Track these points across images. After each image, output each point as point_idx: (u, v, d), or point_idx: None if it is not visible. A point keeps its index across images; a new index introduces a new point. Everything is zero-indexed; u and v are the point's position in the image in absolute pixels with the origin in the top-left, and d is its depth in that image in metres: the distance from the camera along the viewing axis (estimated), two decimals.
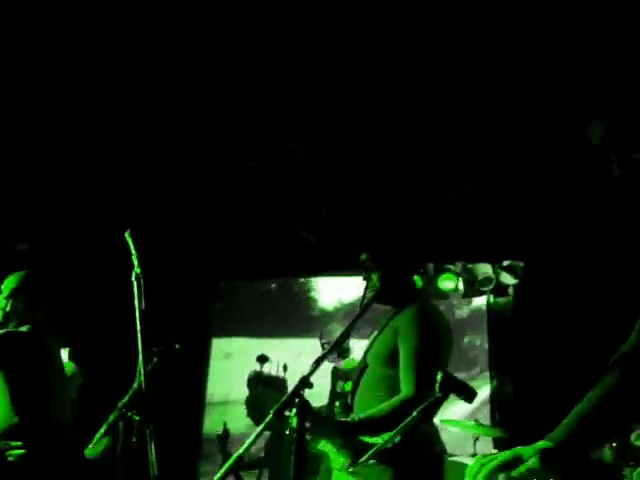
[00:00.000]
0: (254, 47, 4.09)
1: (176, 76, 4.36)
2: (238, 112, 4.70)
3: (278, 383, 6.94)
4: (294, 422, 1.96)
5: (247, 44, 4.06)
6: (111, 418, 3.02)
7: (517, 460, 1.31)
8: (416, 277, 6.31)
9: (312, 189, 5.65)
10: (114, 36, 3.99)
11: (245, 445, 1.93)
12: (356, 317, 2.33)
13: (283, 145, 5.03)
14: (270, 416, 1.89)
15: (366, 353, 2.75)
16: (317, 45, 4.04)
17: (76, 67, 4.27)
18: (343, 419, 2.55)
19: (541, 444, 1.35)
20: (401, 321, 2.66)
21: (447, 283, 6.26)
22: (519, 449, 1.34)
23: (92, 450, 2.99)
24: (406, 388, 2.55)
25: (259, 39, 4.01)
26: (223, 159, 5.29)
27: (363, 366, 2.71)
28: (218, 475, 1.99)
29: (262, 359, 7.11)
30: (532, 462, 1.30)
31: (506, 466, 1.30)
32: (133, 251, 2.69)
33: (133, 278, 2.64)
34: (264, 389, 6.92)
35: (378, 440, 2.31)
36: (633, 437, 3.76)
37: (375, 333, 2.80)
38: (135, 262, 2.68)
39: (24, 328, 3.25)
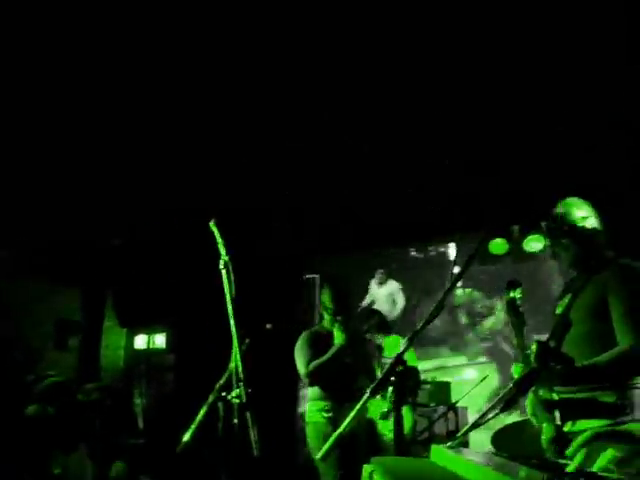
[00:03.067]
0: None
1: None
2: None
3: None
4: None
5: None
6: (210, 399, 3.13)
7: (629, 436, 1.25)
8: (500, 241, 6.23)
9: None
10: None
11: (345, 423, 1.97)
12: (451, 286, 2.31)
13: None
14: (367, 395, 1.90)
15: (566, 311, 2.73)
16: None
17: None
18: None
19: None
20: (609, 275, 2.64)
21: (535, 244, 6.10)
22: (633, 425, 1.28)
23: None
24: (625, 339, 2.52)
25: None
26: None
27: (565, 323, 2.69)
28: (321, 452, 2.03)
29: None
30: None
31: (614, 437, 1.24)
32: (219, 239, 2.75)
33: (222, 266, 2.70)
34: None
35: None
36: None
37: (568, 294, 2.79)
38: (222, 250, 2.73)
39: None
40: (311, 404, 3.97)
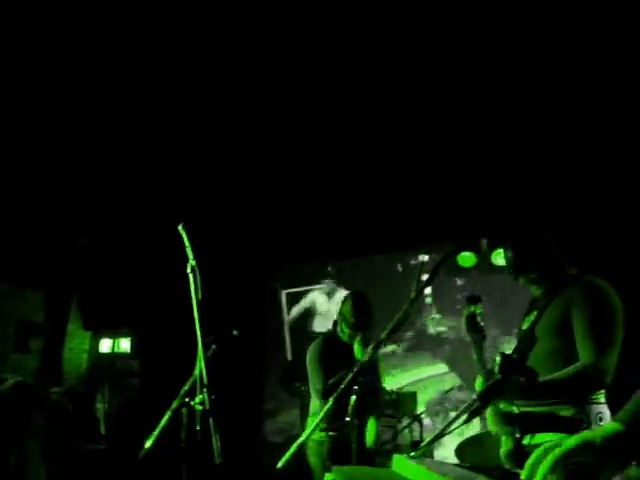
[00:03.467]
0: None
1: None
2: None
3: None
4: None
5: None
6: (174, 405, 3.10)
7: (587, 447, 1.22)
8: (468, 254, 6.28)
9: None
10: None
11: (307, 432, 1.95)
12: (415, 297, 2.32)
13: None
14: (330, 404, 1.90)
15: (531, 327, 2.74)
16: None
17: None
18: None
19: (610, 427, 1.25)
20: (573, 292, 2.65)
21: (501, 258, 6.16)
22: (587, 434, 1.25)
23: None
24: (585, 355, 2.54)
25: None
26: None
27: (530, 338, 2.70)
28: (282, 461, 2.02)
29: None
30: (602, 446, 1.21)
31: (574, 454, 1.21)
32: (187, 243, 2.73)
33: (189, 270, 2.68)
34: None
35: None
36: None
37: (535, 310, 2.80)
38: (190, 254, 2.72)
39: None
40: (313, 419, 3.79)
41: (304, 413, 5.87)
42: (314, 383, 3.86)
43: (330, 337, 4.04)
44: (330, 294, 7.69)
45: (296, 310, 7.84)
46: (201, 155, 5.40)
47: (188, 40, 4.07)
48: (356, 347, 3.80)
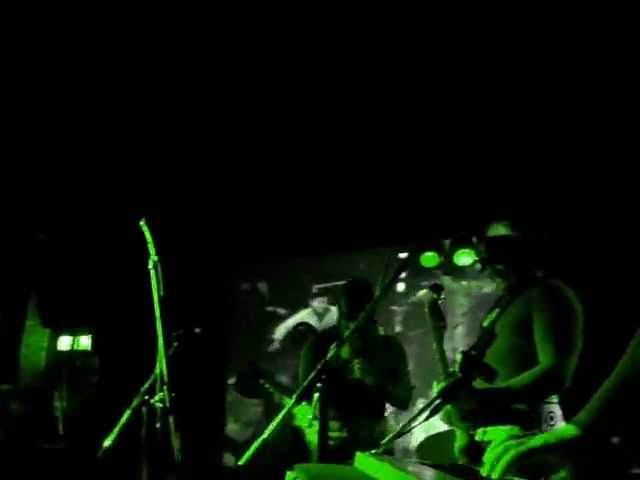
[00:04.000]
0: None
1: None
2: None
3: None
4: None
5: None
6: (134, 403, 3.06)
7: (547, 449, 1.25)
8: (431, 254, 6.32)
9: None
10: None
11: (269, 430, 1.94)
12: (379, 297, 2.33)
13: None
14: (292, 401, 1.89)
15: (492, 324, 2.76)
16: None
17: None
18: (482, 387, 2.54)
19: (569, 431, 1.28)
20: (535, 293, 2.69)
21: (464, 259, 6.22)
22: (548, 436, 1.29)
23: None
24: (545, 358, 2.57)
25: None
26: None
27: (489, 336, 2.72)
28: (243, 459, 2.00)
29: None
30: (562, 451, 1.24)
31: (534, 454, 1.25)
32: (149, 239, 2.69)
33: (150, 266, 2.65)
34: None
35: None
36: None
37: (497, 308, 2.83)
38: (152, 250, 2.68)
39: None
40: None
41: (268, 411, 5.85)
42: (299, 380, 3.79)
43: (329, 331, 3.94)
44: (322, 316, 7.19)
45: (283, 329, 7.35)
46: (164, 150, 5.33)
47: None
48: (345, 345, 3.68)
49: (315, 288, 7.34)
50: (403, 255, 3.74)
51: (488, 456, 1.27)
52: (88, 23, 3.90)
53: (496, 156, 5.21)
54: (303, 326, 6.50)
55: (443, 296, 2.76)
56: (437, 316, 2.72)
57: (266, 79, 4.46)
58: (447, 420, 2.62)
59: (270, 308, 7.62)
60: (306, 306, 7.35)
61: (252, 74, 4.42)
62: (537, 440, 1.27)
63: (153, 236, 2.69)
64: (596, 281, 4.76)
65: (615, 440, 1.27)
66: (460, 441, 2.53)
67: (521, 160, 5.19)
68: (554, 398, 2.62)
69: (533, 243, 2.86)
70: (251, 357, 6.26)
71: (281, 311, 7.51)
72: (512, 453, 1.23)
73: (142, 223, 2.73)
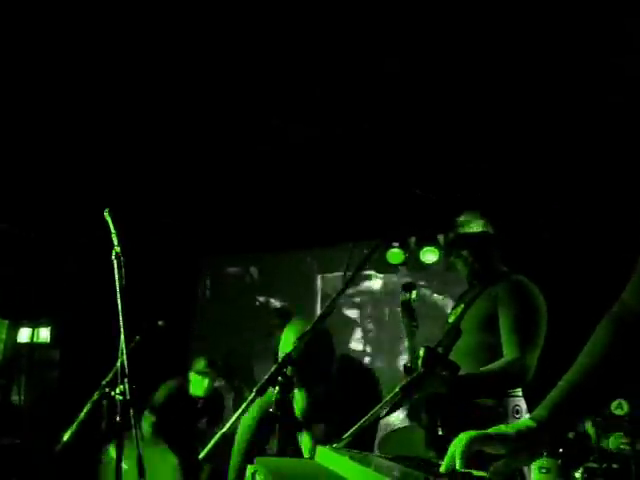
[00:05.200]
0: None
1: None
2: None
3: None
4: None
5: None
6: (95, 397, 3.02)
7: (503, 438, 1.29)
8: (396, 250, 6.35)
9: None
10: None
11: (229, 423, 1.93)
12: (341, 290, 2.32)
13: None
14: (253, 394, 1.88)
15: (457, 320, 2.78)
16: None
17: None
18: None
19: (525, 424, 1.32)
20: (500, 289, 2.73)
21: (430, 256, 6.27)
22: (504, 427, 1.33)
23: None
24: (510, 351, 2.59)
25: None
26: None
27: (455, 332, 2.73)
28: (203, 453, 1.99)
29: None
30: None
31: (489, 442, 1.28)
32: (112, 230, 2.66)
33: (113, 257, 2.61)
34: None
35: None
36: (613, 406, 3.82)
37: (461, 304, 2.85)
38: (115, 240, 2.65)
39: None
40: None
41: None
42: None
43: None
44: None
45: None
46: (128, 141, 5.25)
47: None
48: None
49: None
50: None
51: (450, 447, 1.29)
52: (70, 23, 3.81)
53: (469, 153, 5.26)
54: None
55: (415, 295, 2.79)
56: (409, 316, 2.76)
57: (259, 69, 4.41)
58: (413, 416, 2.65)
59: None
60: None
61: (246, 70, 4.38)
62: (493, 430, 1.31)
63: (116, 226, 2.66)
64: (558, 276, 4.86)
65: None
66: (427, 436, 2.55)
67: (492, 157, 5.26)
68: (519, 392, 2.67)
69: (499, 236, 2.92)
70: (221, 350, 6.26)
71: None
72: (465, 439, 1.26)
73: (106, 213, 2.69)
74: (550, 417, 1.32)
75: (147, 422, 4.82)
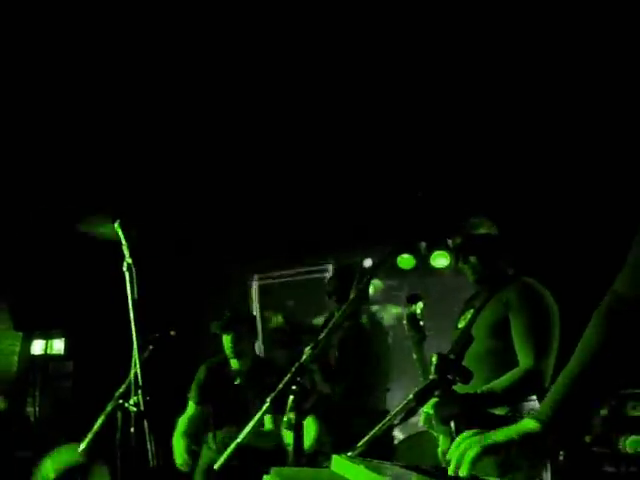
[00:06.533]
0: None
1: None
2: None
3: None
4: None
5: None
6: (109, 408, 3.02)
7: (510, 443, 1.26)
8: (407, 256, 6.33)
9: None
10: None
11: (244, 433, 1.93)
12: (352, 299, 2.32)
13: None
14: (267, 404, 1.88)
15: (468, 326, 2.76)
16: None
17: None
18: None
19: (528, 425, 1.29)
20: (511, 294, 2.71)
21: (441, 260, 6.25)
22: (508, 430, 1.29)
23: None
24: (525, 359, 2.58)
25: None
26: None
27: (466, 338, 2.72)
28: (219, 463, 1.99)
29: None
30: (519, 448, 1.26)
31: (498, 448, 1.25)
32: (123, 241, 2.67)
33: (125, 268, 2.62)
34: None
35: None
36: (629, 407, 3.78)
37: (471, 309, 2.82)
38: (126, 252, 2.66)
39: None
40: None
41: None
42: None
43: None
44: None
45: None
46: (139, 155, 5.28)
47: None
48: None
49: None
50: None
51: (452, 452, 1.27)
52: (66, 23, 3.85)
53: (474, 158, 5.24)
54: None
55: (421, 306, 2.77)
56: (415, 328, 2.73)
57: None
58: (428, 424, 2.63)
59: None
60: None
61: (249, 72, 4.39)
62: (499, 435, 1.28)
63: (127, 238, 2.67)
64: (566, 278, 4.83)
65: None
66: (443, 445, 2.54)
67: (498, 162, 5.24)
68: (533, 396, 2.65)
69: (507, 240, 2.91)
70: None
71: None
72: (476, 450, 1.23)
73: (116, 225, 2.70)
74: (553, 414, 1.28)
75: None
